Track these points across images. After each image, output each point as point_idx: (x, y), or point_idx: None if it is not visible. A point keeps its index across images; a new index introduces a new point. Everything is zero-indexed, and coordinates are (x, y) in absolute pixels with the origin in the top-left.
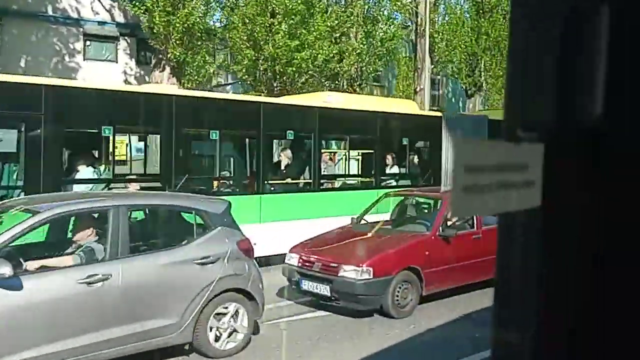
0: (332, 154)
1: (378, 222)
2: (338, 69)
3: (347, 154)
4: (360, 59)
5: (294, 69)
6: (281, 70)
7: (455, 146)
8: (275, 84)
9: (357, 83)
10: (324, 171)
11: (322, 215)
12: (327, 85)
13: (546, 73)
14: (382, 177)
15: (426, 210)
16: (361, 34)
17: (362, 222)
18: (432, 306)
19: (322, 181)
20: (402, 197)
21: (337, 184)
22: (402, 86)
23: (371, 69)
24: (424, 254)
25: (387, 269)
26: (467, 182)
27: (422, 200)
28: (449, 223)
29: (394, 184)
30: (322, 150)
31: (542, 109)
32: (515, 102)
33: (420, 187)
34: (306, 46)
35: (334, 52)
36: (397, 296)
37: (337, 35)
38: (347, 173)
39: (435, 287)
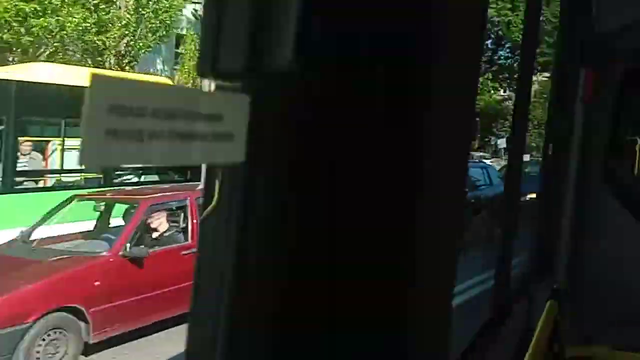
0: (43, 142)
1: (53, 237)
2: (97, 42)
3: (63, 142)
4: (128, 32)
5: (31, 39)
6: (15, 39)
7: (93, 79)
8: (10, 57)
9: (126, 60)
10: (23, 166)
11: (19, 224)
12: (88, 61)
13: (235, 17)
14: (117, 172)
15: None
16: (132, 4)
17: (32, 238)
18: (106, 357)
19: (18, 179)
20: (95, 202)
21: (47, 182)
22: (187, 67)
23: (141, 44)
24: (92, 285)
25: (18, 314)
26: (113, 125)
27: (117, 205)
28: (154, 235)
29: (135, 180)
30: (22, 138)
31: (231, 54)
32: (208, 50)
33: (169, 186)
34: (49, 12)
35: (90, 21)
36: (39, 352)
37: (96, 2)
38: (62, 167)
39: (114, 330)
